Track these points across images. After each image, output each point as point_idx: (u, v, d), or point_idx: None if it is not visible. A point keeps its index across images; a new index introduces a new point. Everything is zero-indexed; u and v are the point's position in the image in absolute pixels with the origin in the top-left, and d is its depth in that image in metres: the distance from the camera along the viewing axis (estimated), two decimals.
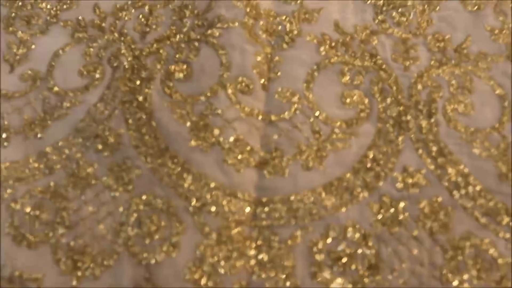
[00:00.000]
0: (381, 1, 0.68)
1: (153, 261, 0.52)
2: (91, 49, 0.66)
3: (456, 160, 0.57)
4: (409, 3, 0.68)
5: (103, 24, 0.68)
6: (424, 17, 0.67)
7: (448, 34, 0.66)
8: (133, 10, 0.68)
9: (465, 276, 0.51)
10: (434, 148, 0.58)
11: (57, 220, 0.55)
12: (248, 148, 0.58)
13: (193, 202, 0.55)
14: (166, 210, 0.55)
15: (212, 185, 0.56)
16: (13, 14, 0.69)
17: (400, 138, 0.59)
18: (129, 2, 0.69)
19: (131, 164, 0.58)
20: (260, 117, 0.60)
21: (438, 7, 0.68)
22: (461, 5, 0.68)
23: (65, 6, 0.70)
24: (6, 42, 0.67)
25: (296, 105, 0.61)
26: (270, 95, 0.62)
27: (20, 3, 0.70)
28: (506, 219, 0.54)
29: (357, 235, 0.53)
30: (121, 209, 0.55)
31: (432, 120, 0.60)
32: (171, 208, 0.55)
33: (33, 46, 0.67)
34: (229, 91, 0.61)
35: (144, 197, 0.56)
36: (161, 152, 0.58)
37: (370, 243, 0.53)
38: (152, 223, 0.54)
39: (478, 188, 0.56)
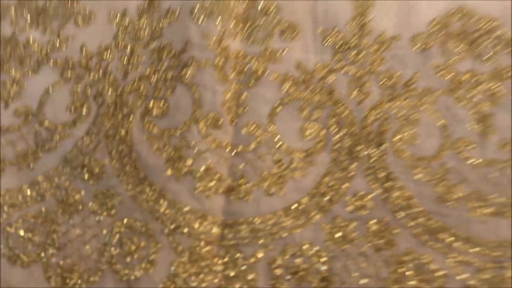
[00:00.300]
0: (339, 42, 0.76)
1: (132, 277, 0.62)
2: (78, 87, 0.74)
3: (401, 185, 0.66)
4: (363, 43, 0.76)
5: (89, 64, 0.76)
6: (377, 55, 0.75)
7: (398, 71, 0.73)
8: (116, 51, 0.76)
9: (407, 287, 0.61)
10: (382, 175, 0.67)
11: (47, 242, 0.64)
12: (217, 176, 0.67)
13: (168, 224, 0.64)
14: (145, 232, 0.64)
15: (185, 209, 0.65)
16: (8, 55, 0.77)
17: (352, 166, 0.68)
18: (113, 43, 0.77)
19: (114, 191, 0.67)
20: (228, 149, 0.69)
21: (390, 46, 0.75)
22: (410, 44, 0.75)
23: (55, 47, 0.77)
24: (1, 80, 0.76)
25: (260, 138, 0.69)
26: (237, 129, 0.70)
27: (14, 43, 0.78)
28: (443, 236, 0.63)
29: (312, 252, 0.63)
30: (105, 231, 0.65)
31: (381, 149, 0.68)
32: (149, 230, 0.64)
33: (25, 84, 0.75)
34: (201, 125, 0.70)
35: (125, 220, 0.65)
36: (140, 181, 0.67)
37: (323, 259, 0.62)
38: (132, 243, 0.64)
39: (419, 209, 0.65)
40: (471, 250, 0.62)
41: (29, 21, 0.79)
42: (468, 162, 0.66)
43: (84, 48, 0.77)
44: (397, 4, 0.76)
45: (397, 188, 0.66)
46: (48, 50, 0.77)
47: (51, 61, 0.77)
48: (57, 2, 0.79)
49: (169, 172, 0.67)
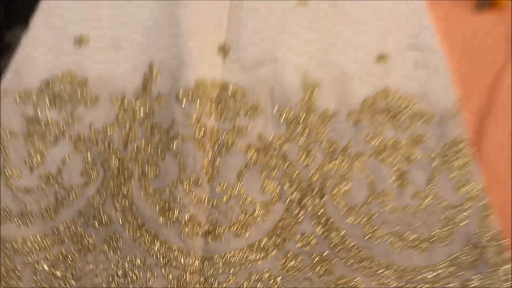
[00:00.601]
0: (291, 118, 0.85)
1: None
2: (89, 157, 0.85)
3: (337, 227, 0.80)
4: (310, 118, 0.85)
5: (97, 138, 0.85)
6: (321, 128, 0.86)
7: (337, 140, 0.84)
8: (117, 128, 0.86)
9: None
10: (323, 219, 0.80)
11: (67, 275, 0.80)
12: (198, 223, 0.80)
13: (161, 259, 0.81)
14: (143, 266, 0.79)
15: (174, 248, 0.81)
16: (32, 131, 0.87)
17: (301, 213, 0.81)
18: (115, 121, 0.87)
19: (119, 235, 0.80)
20: (206, 202, 0.82)
21: (330, 121, 0.85)
22: (347, 119, 0.86)
23: (69, 125, 0.87)
24: (27, 152, 0.86)
25: (230, 193, 0.82)
26: (213, 187, 0.82)
27: (36, 122, 0.90)
28: (369, 264, 0.80)
29: (270, 278, 0.80)
30: (112, 266, 0.80)
31: (323, 200, 0.80)
32: (147, 264, 0.79)
33: (46, 154, 0.85)
34: (185, 185, 0.82)
35: (128, 257, 0.80)
36: (139, 227, 0.81)
37: (278, 283, 0.80)
38: (134, 274, 0.80)
39: (351, 244, 0.79)
40: (390, 274, 0.77)
41: (47, 104, 0.89)
42: (388, 208, 0.80)
43: (92, 126, 0.87)
44: (335, 87, 0.87)
45: (335, 229, 0.79)
46: (64, 128, 0.87)
47: (66, 136, 0.86)
48: (70, 88, 0.90)
49: (161, 220, 0.81)
